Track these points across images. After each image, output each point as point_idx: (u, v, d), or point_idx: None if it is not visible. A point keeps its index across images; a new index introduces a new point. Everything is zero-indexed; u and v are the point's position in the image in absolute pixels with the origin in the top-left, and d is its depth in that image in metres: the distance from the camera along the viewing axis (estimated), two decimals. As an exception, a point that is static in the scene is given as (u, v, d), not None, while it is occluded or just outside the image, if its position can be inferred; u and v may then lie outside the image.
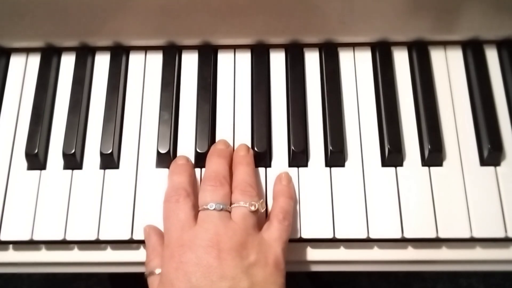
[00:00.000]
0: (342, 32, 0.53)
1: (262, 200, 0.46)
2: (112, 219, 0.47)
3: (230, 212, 0.44)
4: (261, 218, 0.46)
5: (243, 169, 0.47)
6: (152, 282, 0.44)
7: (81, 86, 0.52)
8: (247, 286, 0.40)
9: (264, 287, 0.41)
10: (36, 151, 0.49)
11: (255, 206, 0.44)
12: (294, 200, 0.47)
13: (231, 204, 0.45)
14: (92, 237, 0.47)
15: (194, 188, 0.47)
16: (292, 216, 0.46)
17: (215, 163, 0.47)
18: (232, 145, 0.50)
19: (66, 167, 0.50)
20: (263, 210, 0.46)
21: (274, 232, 0.44)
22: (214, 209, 0.43)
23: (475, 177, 0.49)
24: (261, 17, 0.50)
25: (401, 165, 0.49)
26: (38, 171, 0.49)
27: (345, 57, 0.54)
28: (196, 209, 0.45)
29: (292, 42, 0.54)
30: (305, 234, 0.47)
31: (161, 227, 0.47)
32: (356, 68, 0.54)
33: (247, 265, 0.41)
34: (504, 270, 0.49)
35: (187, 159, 0.49)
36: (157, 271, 0.44)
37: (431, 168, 0.49)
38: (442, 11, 0.50)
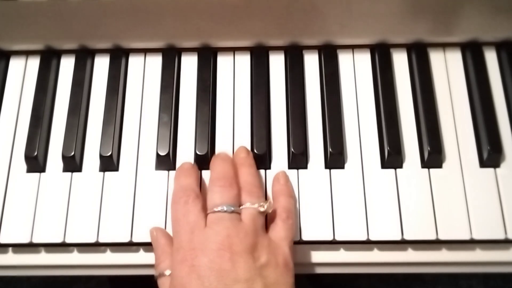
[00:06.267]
0: (341, 34, 0.53)
1: (269, 200, 0.46)
2: (112, 222, 0.47)
3: (239, 213, 0.44)
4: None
5: (246, 170, 0.47)
6: (163, 283, 0.43)
7: (80, 89, 0.52)
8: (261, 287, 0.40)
9: None
10: (36, 153, 0.49)
11: (263, 207, 0.44)
12: (294, 199, 0.47)
13: (239, 205, 0.44)
14: (92, 239, 0.47)
15: (201, 191, 0.47)
16: (295, 214, 0.46)
17: (220, 164, 0.47)
18: (232, 146, 0.50)
19: (65, 169, 0.50)
20: (270, 211, 0.45)
21: (280, 232, 0.44)
22: (224, 211, 0.43)
23: (474, 178, 0.48)
24: (260, 20, 0.50)
25: (400, 167, 0.49)
26: (37, 174, 0.49)
27: (344, 59, 0.54)
28: (204, 211, 0.44)
29: (292, 44, 0.54)
30: (305, 236, 0.47)
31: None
32: (356, 70, 0.54)
33: (259, 266, 0.41)
34: (504, 271, 0.48)
35: (193, 164, 0.49)
36: (167, 272, 0.43)
37: (431, 170, 0.49)
38: (441, 13, 0.50)
